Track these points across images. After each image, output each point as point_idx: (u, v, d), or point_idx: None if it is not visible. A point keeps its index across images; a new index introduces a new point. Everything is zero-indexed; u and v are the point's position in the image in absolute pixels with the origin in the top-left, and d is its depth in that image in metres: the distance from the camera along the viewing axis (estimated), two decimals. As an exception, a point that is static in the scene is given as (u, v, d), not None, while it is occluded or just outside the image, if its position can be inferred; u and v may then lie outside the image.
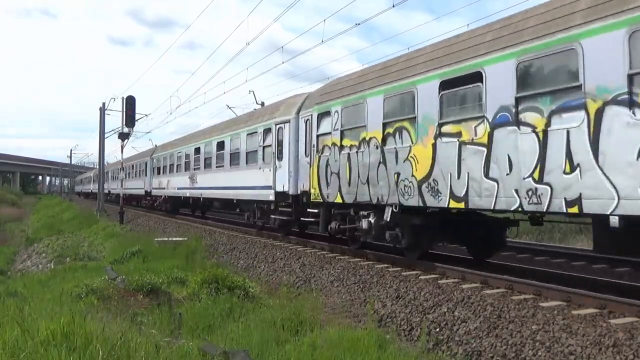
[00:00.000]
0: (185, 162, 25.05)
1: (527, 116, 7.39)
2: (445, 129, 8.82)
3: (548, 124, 7.08)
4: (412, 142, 9.56)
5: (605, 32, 6.35)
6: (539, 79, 7.32)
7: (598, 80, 6.46)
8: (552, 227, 28.64)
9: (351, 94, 11.48)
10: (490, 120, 7.93)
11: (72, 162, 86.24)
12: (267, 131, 15.82)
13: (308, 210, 13.51)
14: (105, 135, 36.78)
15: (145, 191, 33.34)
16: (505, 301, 7.45)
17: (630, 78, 6.11)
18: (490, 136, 7.92)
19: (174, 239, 17.56)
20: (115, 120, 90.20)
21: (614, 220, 6.29)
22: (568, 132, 6.78)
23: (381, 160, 10.37)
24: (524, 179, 7.38)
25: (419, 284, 8.94)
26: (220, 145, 20.07)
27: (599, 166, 6.42)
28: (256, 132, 16.64)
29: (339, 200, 11.86)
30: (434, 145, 9.01)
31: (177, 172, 26.52)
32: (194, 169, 23.42)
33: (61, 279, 13.31)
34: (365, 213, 11.13)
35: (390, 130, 10.19)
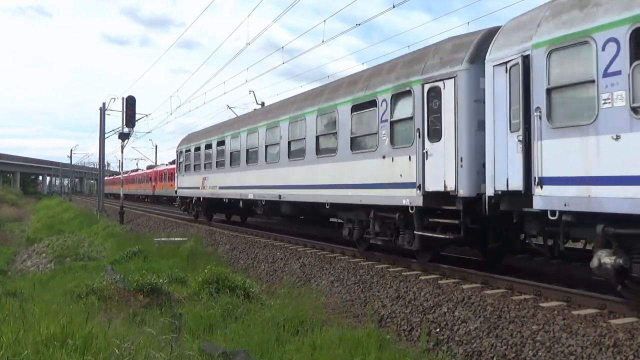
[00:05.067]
0: None
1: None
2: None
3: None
4: None
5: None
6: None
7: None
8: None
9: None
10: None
11: (72, 162, 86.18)
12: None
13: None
14: (106, 136, 36.77)
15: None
16: (506, 301, 7.45)
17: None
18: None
19: (174, 239, 17.57)
20: (115, 120, 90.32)
21: None
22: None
23: None
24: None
25: (419, 284, 8.95)
26: None
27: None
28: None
29: None
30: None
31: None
32: None
33: (61, 279, 13.32)
34: None
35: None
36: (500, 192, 7.93)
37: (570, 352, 5.88)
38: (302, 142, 13.77)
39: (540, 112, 7.19)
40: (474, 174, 8.70)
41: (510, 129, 7.77)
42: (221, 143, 19.89)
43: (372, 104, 10.91)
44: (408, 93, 9.91)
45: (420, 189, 9.47)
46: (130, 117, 30.26)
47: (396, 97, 10.30)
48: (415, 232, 9.72)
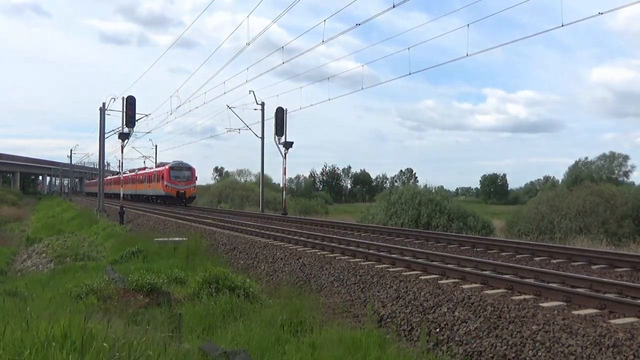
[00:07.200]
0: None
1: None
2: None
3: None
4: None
5: None
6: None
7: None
8: (552, 227, 28.62)
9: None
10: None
11: (72, 162, 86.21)
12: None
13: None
14: (106, 136, 36.79)
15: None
16: (505, 301, 7.45)
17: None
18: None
19: (174, 239, 17.56)
20: (115, 120, 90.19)
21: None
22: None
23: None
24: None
25: (419, 284, 8.94)
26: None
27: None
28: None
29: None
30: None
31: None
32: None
33: (61, 279, 13.32)
34: None
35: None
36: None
37: (570, 352, 5.88)
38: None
39: None
40: None
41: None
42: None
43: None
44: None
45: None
46: (130, 117, 30.27)
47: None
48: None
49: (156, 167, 49.30)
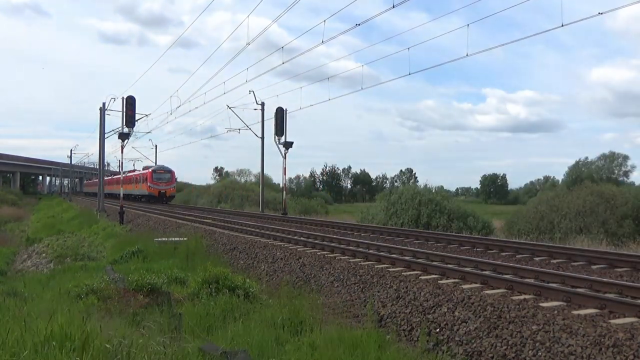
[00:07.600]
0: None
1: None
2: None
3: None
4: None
5: None
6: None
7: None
8: (552, 227, 28.61)
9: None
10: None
11: (72, 162, 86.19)
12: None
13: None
14: (105, 136, 36.79)
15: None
16: (505, 301, 7.45)
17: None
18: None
19: (174, 239, 17.55)
20: (115, 120, 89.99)
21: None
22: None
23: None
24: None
25: (419, 284, 8.94)
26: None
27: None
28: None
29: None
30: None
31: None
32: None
33: (61, 279, 13.31)
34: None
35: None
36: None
37: (570, 352, 5.88)
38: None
39: None
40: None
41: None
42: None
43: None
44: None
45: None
46: (130, 117, 30.28)
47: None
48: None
49: (142, 170, 57.11)
